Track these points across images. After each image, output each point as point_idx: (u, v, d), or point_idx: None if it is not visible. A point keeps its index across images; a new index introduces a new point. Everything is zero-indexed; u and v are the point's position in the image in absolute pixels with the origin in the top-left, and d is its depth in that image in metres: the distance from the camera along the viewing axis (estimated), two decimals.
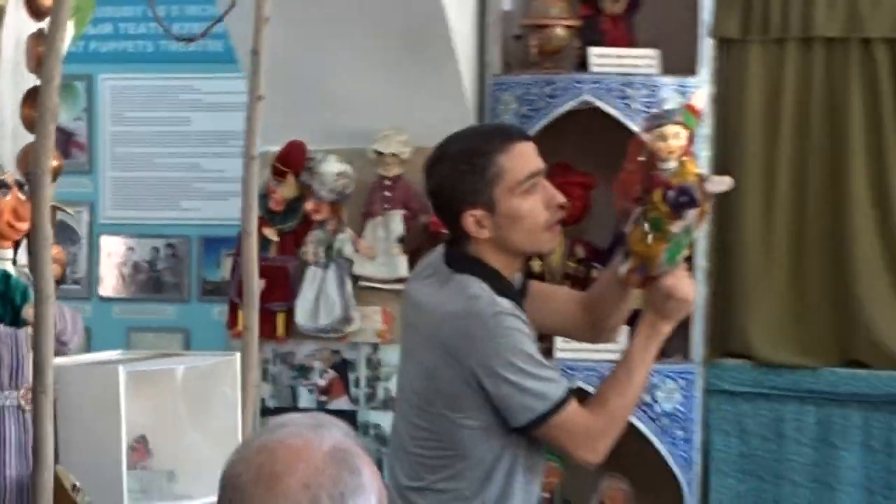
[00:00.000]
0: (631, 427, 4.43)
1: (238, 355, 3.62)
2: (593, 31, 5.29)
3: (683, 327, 4.87)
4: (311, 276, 5.28)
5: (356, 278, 5.29)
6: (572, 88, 5.16)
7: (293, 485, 2.02)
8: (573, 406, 3.33)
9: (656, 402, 5.13)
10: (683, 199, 3.26)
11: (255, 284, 3.12)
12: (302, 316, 5.26)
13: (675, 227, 3.30)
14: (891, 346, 5.12)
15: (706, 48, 5.21)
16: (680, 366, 5.16)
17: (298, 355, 5.34)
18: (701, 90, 3.91)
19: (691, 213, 3.30)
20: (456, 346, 3.33)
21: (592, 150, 5.25)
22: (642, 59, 5.19)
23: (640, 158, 3.38)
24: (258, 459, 2.06)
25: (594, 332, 3.73)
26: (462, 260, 3.41)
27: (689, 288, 3.37)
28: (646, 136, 3.39)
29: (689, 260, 3.66)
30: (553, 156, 4.91)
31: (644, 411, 5.13)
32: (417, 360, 3.48)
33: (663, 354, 4.73)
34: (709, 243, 5.20)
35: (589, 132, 5.22)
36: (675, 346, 5.13)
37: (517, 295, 3.48)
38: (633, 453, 4.85)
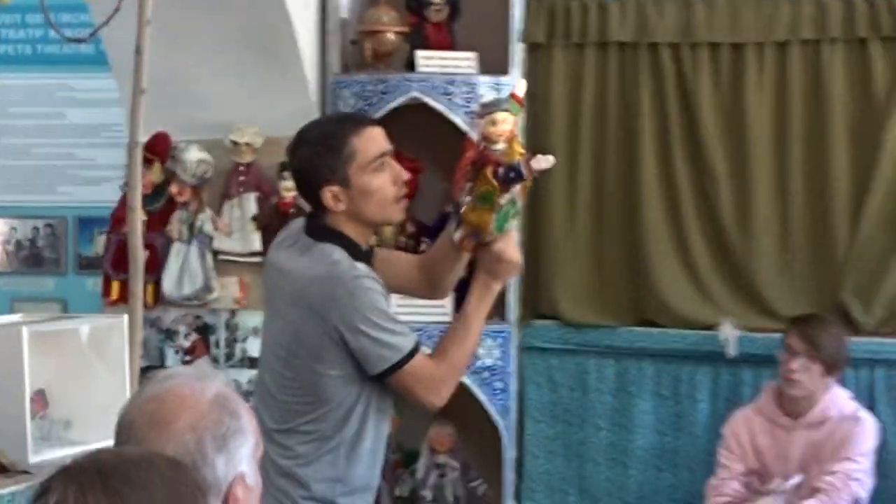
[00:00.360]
0: None
1: (126, 317, 3.64)
2: (419, 36, 5.41)
3: (500, 292, 4.94)
4: (176, 251, 5.36)
5: (216, 252, 5.38)
6: (402, 86, 5.29)
7: (181, 428, 2.14)
8: (421, 356, 3.46)
9: (477, 357, 5.21)
10: (512, 175, 3.39)
11: (140, 255, 3.15)
12: (168, 286, 5.34)
13: (503, 200, 3.42)
14: (677, 307, 5.39)
15: (517, 51, 5.40)
16: (497, 326, 5.30)
17: (165, 321, 5.41)
18: (522, 81, 3.88)
19: (517, 188, 3.44)
20: (320, 305, 3.42)
21: (420, 140, 5.31)
22: (462, 61, 5.33)
23: (476, 141, 3.48)
24: (150, 407, 2.18)
25: (431, 290, 3.87)
26: (322, 230, 3.52)
27: (516, 252, 3.54)
28: (479, 122, 3.49)
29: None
30: None
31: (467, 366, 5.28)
32: (283, 319, 3.55)
33: None
34: (522, 219, 5.13)
35: (417, 125, 5.26)
36: (493, 309, 5.09)
37: (370, 259, 3.59)
38: (457, 403, 4.75)
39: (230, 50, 5.18)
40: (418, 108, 5.30)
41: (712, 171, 5.41)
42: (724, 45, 5.38)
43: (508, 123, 3.44)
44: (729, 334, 5.30)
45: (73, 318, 3.97)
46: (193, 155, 5.28)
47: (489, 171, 3.41)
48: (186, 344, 5.43)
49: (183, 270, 5.37)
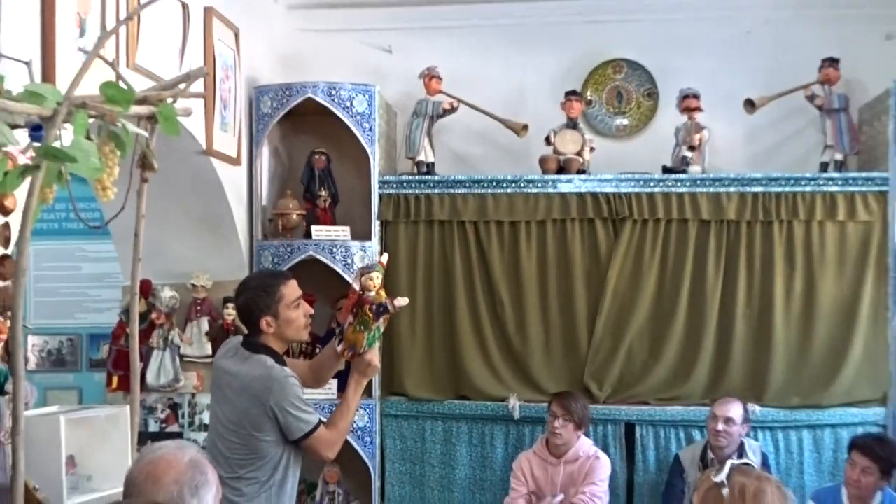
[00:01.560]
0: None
1: (128, 407, 3.35)
2: (313, 215, 5.44)
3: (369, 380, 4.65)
4: (155, 355, 5.28)
5: (181, 356, 5.31)
6: (302, 248, 5.33)
7: (168, 482, 2.22)
8: (322, 428, 3.59)
9: (355, 421, 5.27)
10: (381, 310, 3.60)
11: (138, 364, 3.00)
12: (150, 378, 5.26)
13: (373, 326, 3.63)
14: (481, 386, 5.41)
15: (376, 225, 5.44)
16: (367, 401, 5.35)
17: (149, 401, 5.32)
18: (385, 255, 3.96)
19: (382, 319, 3.63)
20: (261, 395, 3.51)
21: (314, 283, 5.13)
22: (341, 232, 5.39)
23: (358, 289, 3.64)
24: (146, 468, 2.26)
25: (316, 383, 3.98)
26: (256, 346, 3.62)
27: (378, 360, 3.75)
28: (360, 277, 3.67)
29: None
30: None
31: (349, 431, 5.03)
32: (232, 404, 3.58)
33: None
34: (384, 333, 4.66)
35: (312, 273, 5.24)
36: (364, 390, 4.67)
37: (285, 364, 3.66)
38: (343, 451, 4.57)
39: (191, 225, 5.14)
40: (313, 262, 5.31)
41: (501, 300, 5.47)
42: (505, 222, 5.43)
43: (379, 280, 3.67)
44: (515, 404, 5.34)
45: (94, 409, 3.89)
46: (167, 293, 5.25)
47: (367, 307, 3.59)
48: (162, 416, 5.34)
49: (160, 368, 5.27)
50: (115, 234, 5.02)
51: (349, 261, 5.38)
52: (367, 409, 5.41)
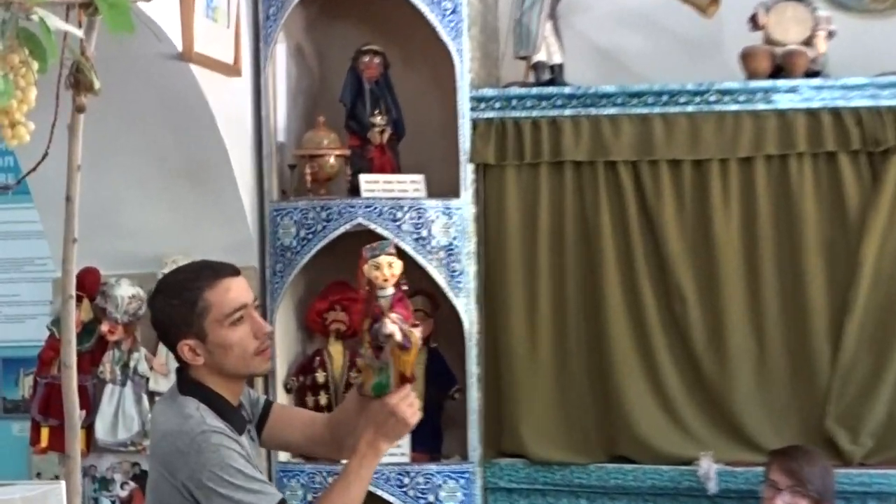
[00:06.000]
0: None
1: (63, 484, 3.26)
2: (362, 159, 5.11)
3: (461, 429, 5.07)
4: (110, 393, 4.99)
5: (152, 394, 4.97)
6: (346, 213, 4.99)
7: None
8: None
9: (440, 500, 4.95)
10: (385, 340, 3.20)
11: (77, 414, 2.70)
12: (102, 431, 4.95)
13: (380, 360, 3.24)
14: (651, 441, 4.94)
15: (468, 172, 5.05)
16: (459, 466, 4.96)
17: (100, 468, 5.02)
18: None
19: (387, 352, 3.22)
20: (169, 462, 3.25)
21: None
22: (409, 184, 5.03)
23: (365, 287, 3.28)
24: None
25: (336, 449, 3.64)
26: (186, 383, 3.35)
27: (411, 411, 3.28)
28: (364, 267, 3.29)
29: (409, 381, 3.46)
30: (331, 274, 5.09)
31: None
32: (150, 475, 3.40)
33: (442, 456, 5.11)
34: (479, 350, 5.04)
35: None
36: (454, 448, 5.13)
37: (238, 414, 3.39)
38: None
39: (161, 179, 4.90)
40: (365, 234, 4.90)
41: (681, 294, 4.95)
42: (685, 162, 5.01)
43: (394, 268, 3.25)
44: (708, 469, 4.85)
45: (13, 486, 3.64)
46: (125, 290, 4.95)
47: (367, 332, 3.26)
48: (123, 494, 5.03)
49: (117, 414, 4.99)
50: (38, 198, 4.87)
51: (423, 233, 5.04)
52: (462, 480, 5.04)
